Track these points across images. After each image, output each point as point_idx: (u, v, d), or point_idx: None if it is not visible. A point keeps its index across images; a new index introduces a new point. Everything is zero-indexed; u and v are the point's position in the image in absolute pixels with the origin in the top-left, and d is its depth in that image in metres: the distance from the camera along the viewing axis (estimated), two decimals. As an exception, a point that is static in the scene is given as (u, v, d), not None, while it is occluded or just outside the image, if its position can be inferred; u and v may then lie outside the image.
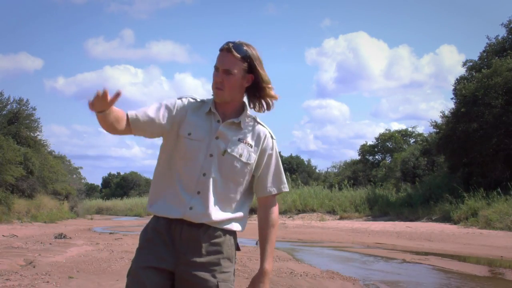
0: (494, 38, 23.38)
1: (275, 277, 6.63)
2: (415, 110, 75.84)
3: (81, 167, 46.11)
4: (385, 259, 9.50)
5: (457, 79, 23.59)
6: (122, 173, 72.87)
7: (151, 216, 2.06)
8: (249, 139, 2.03)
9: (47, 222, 22.40)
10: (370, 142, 38.69)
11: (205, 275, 1.94)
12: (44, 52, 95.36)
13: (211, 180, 1.97)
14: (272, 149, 2.08)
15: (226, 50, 1.98)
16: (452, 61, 73.11)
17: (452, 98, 23.51)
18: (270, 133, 2.09)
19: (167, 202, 1.99)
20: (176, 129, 2.00)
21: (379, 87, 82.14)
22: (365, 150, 38.44)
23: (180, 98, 2.05)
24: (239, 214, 2.04)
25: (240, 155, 1.99)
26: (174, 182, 1.99)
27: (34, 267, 7.21)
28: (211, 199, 1.96)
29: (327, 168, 47.37)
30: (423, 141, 31.80)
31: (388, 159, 35.59)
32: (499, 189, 17.95)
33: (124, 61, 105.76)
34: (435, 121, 24.73)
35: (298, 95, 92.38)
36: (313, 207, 27.76)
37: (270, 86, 2.04)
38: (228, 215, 2.01)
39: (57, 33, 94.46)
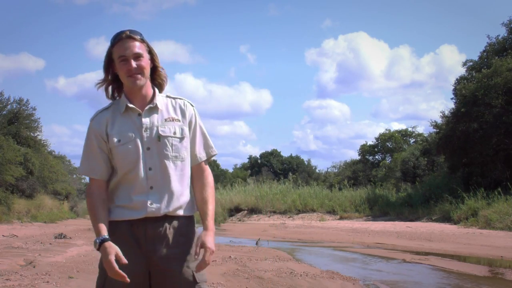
0: (495, 37, 23.38)
1: (275, 277, 6.63)
2: (415, 110, 75.84)
3: (81, 167, 46.02)
4: (385, 259, 9.50)
5: (457, 79, 23.59)
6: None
7: None
8: (174, 115, 2.06)
9: (47, 222, 22.40)
10: (370, 142, 38.73)
11: (179, 268, 1.96)
12: (46, 53, 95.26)
13: (158, 171, 1.99)
14: (195, 117, 2.12)
15: (126, 37, 2.00)
16: (453, 61, 73.04)
17: (452, 98, 23.53)
18: (188, 102, 2.13)
19: (125, 207, 2.00)
20: (108, 146, 2.03)
21: (379, 87, 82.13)
22: (365, 150, 38.46)
23: (92, 119, 2.08)
24: (190, 197, 2.08)
25: (174, 133, 2.03)
26: (125, 188, 2.01)
27: (34, 267, 7.20)
28: (166, 187, 1.99)
29: (327, 168, 47.50)
30: (423, 141, 31.80)
31: (388, 159, 35.60)
32: (499, 189, 17.93)
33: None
34: (435, 121, 24.74)
35: (298, 95, 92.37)
36: (313, 207, 27.74)
37: (162, 67, 2.11)
38: (185, 198, 2.04)
39: (58, 33, 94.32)
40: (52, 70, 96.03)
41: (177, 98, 2.13)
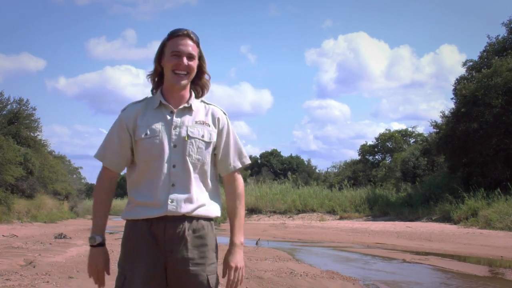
0: (495, 37, 23.38)
1: (275, 277, 6.62)
2: (415, 110, 75.93)
3: (81, 167, 46.23)
4: (385, 259, 9.49)
5: (457, 79, 23.60)
6: (122, 173, 72.90)
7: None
8: (205, 119, 2.07)
9: (47, 222, 22.40)
10: (370, 142, 38.74)
11: (196, 270, 1.96)
12: (46, 53, 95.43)
13: (182, 169, 1.98)
14: (228, 126, 2.11)
15: (185, 35, 2.01)
16: (453, 61, 73.22)
17: (452, 98, 23.55)
18: (222, 111, 2.13)
19: (144, 204, 1.98)
20: (133, 138, 2.02)
21: (380, 87, 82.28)
22: (365, 150, 38.47)
23: (123, 110, 2.08)
24: (214, 198, 2.07)
25: (202, 136, 2.03)
26: (147, 184, 1.99)
27: (34, 267, 7.20)
28: (187, 187, 1.98)
29: (327, 168, 47.54)
30: (423, 141, 31.81)
31: (388, 159, 35.61)
32: (499, 189, 17.94)
33: (126, 61, 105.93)
34: (435, 121, 24.76)
35: (298, 96, 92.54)
36: (313, 207, 27.75)
37: (209, 74, 2.12)
38: (205, 200, 2.03)
39: (59, 33, 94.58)
40: (52, 70, 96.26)
41: (211, 104, 2.13)
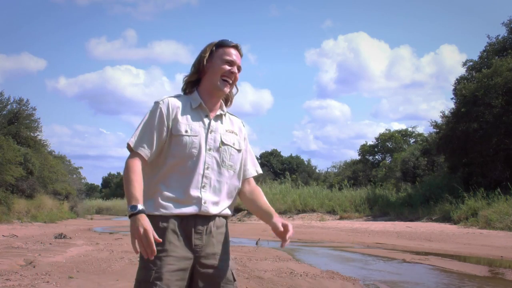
0: (495, 37, 23.38)
1: (275, 277, 6.63)
2: (415, 110, 75.96)
3: (81, 167, 46.20)
4: (385, 259, 9.49)
5: (457, 79, 23.60)
6: (122, 173, 72.88)
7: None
8: (233, 128, 2.19)
9: (47, 222, 22.40)
10: (370, 142, 38.72)
11: (222, 265, 2.06)
12: (47, 53, 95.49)
13: (215, 172, 2.07)
14: (247, 136, 2.28)
15: (236, 48, 2.15)
16: (453, 61, 73.27)
17: (452, 98, 23.55)
18: (242, 122, 2.29)
19: (175, 200, 2.01)
20: (170, 131, 2.06)
21: (380, 87, 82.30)
22: (365, 150, 38.44)
23: (160, 101, 2.09)
24: (233, 198, 2.20)
25: (234, 144, 2.14)
26: (178, 180, 2.03)
27: (34, 267, 7.20)
28: (219, 190, 2.08)
29: (327, 168, 47.48)
30: (423, 141, 31.80)
31: (388, 159, 35.59)
32: (499, 189, 17.94)
33: (126, 61, 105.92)
34: (435, 121, 24.75)
35: (298, 96, 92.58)
36: (313, 207, 27.75)
37: (237, 87, 2.24)
38: (228, 202, 2.15)
39: (59, 33, 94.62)
40: (53, 70, 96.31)
41: (234, 116, 2.27)
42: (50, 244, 11.35)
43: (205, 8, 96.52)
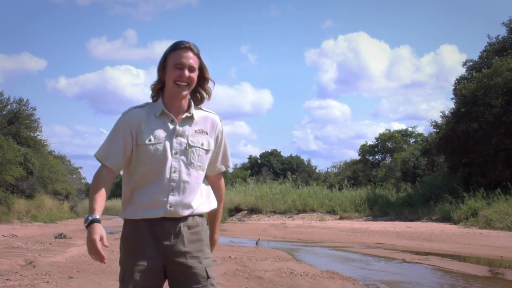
0: (495, 37, 23.36)
1: (275, 277, 6.62)
2: (416, 111, 75.83)
3: (81, 167, 46.10)
4: (385, 259, 9.49)
5: (457, 79, 23.59)
6: (122, 173, 72.85)
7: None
8: (204, 127, 2.22)
9: (47, 222, 22.40)
10: (370, 142, 38.70)
11: (193, 263, 2.12)
12: (47, 53, 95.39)
13: (181, 175, 2.13)
14: (222, 132, 2.30)
15: (187, 48, 2.14)
16: (453, 61, 72.98)
17: (452, 98, 23.54)
18: (218, 118, 2.29)
19: (145, 206, 2.12)
20: (135, 141, 2.14)
21: (380, 87, 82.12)
22: (365, 150, 38.43)
23: (126, 113, 2.18)
24: (208, 195, 2.27)
25: (202, 144, 2.19)
26: (147, 187, 2.13)
27: (34, 267, 7.20)
28: (186, 192, 2.14)
29: (327, 168, 47.47)
30: (423, 141, 31.78)
31: (388, 159, 35.58)
32: (499, 189, 17.93)
33: (126, 61, 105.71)
34: (435, 121, 24.74)
35: (298, 96, 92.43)
36: (313, 207, 27.74)
37: (212, 80, 2.24)
38: (200, 200, 2.20)
39: (59, 33, 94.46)
40: (53, 70, 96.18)
41: (209, 112, 2.28)
42: (50, 244, 11.35)
43: (205, 8, 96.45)
